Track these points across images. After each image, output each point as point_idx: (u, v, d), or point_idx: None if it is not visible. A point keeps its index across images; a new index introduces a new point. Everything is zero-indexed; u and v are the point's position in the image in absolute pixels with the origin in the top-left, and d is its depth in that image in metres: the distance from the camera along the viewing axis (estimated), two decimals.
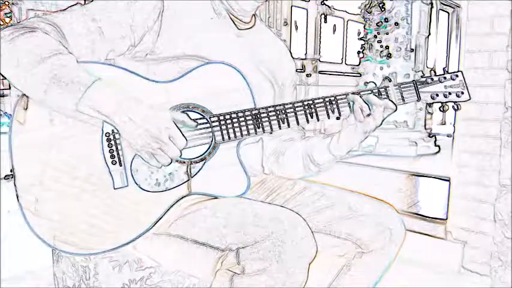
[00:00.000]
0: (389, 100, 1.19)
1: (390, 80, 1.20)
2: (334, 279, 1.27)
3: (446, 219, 2.41)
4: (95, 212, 1.11)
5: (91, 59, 1.12)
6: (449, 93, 1.21)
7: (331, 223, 1.25)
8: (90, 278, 1.21)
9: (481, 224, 2.23)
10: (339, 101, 1.19)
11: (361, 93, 1.20)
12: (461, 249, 2.30)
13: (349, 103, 1.19)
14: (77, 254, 1.16)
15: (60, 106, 1.07)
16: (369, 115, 1.18)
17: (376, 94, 1.19)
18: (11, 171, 1.11)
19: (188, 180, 1.15)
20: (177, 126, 1.08)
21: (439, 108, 1.24)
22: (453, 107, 1.23)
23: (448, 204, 2.38)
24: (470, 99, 1.21)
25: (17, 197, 1.11)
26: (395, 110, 1.20)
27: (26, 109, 1.09)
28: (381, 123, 1.21)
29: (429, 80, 1.21)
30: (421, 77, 1.22)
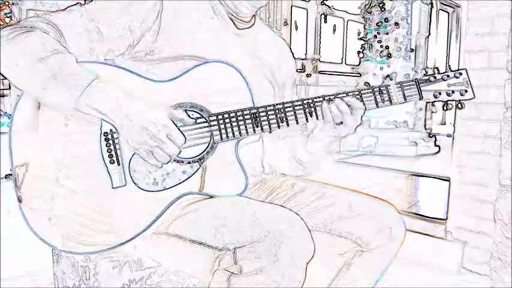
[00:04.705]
0: (358, 99, 1.17)
1: (392, 79, 1.19)
2: (334, 278, 1.26)
3: (446, 219, 2.40)
4: (93, 211, 1.11)
5: (90, 58, 1.12)
6: (453, 92, 1.18)
7: (331, 222, 1.25)
8: (90, 278, 1.21)
9: (481, 224, 2.23)
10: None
11: (337, 96, 1.18)
12: (461, 249, 2.30)
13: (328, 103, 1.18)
14: (77, 253, 1.16)
15: (59, 104, 1.07)
16: (341, 123, 1.18)
17: (377, 93, 1.18)
18: (11, 170, 1.11)
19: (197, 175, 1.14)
20: (175, 124, 1.08)
21: (442, 106, 1.21)
22: (457, 105, 1.20)
23: (448, 204, 2.38)
24: (474, 97, 1.18)
25: (18, 198, 1.10)
26: (365, 110, 1.18)
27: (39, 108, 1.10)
28: (355, 131, 1.20)
29: (432, 79, 1.18)
30: (424, 75, 1.20)
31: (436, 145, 6.10)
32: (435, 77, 1.19)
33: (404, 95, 1.19)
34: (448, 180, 2.38)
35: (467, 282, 2.20)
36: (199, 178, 1.16)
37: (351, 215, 1.24)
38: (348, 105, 1.17)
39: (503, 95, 2.09)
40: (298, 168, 1.34)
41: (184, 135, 1.09)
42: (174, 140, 1.08)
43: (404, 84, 1.19)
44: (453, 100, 1.19)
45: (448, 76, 1.18)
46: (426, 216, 2.68)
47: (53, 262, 1.29)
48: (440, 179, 4.04)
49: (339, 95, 1.18)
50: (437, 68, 1.20)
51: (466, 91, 1.18)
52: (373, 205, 1.26)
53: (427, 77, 1.19)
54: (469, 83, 1.18)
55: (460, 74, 1.19)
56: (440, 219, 2.54)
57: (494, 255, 2.12)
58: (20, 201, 1.11)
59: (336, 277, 1.27)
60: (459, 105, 1.20)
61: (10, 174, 1.12)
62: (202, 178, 1.16)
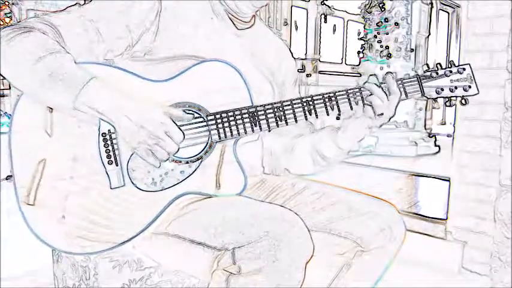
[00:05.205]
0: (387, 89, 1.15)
1: (392, 75, 1.17)
2: (334, 278, 1.26)
3: (446, 219, 2.40)
4: (92, 212, 1.11)
5: (89, 59, 1.12)
6: (456, 88, 1.15)
7: (331, 222, 1.25)
8: (90, 278, 1.21)
9: (481, 224, 2.23)
10: (338, 98, 1.17)
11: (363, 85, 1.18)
12: (461, 249, 2.30)
13: (348, 98, 1.18)
14: (76, 253, 1.16)
15: (57, 104, 1.07)
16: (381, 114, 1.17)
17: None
18: (10, 171, 1.11)
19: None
20: (173, 121, 1.08)
21: (445, 102, 1.18)
22: (461, 101, 1.17)
23: (448, 204, 2.38)
24: (478, 93, 1.15)
25: (27, 199, 1.10)
26: (401, 95, 1.16)
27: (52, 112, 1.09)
28: (394, 114, 1.18)
29: (434, 74, 1.15)
30: (426, 71, 1.17)
31: (436, 145, 6.10)
32: (437, 73, 1.16)
33: (405, 91, 1.17)
34: (448, 180, 2.38)
35: (467, 282, 2.20)
36: (198, 178, 1.15)
37: (351, 215, 1.24)
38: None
39: (503, 95, 2.09)
40: (321, 164, 1.32)
41: (183, 132, 1.09)
42: (172, 136, 1.07)
43: (405, 80, 1.17)
44: (456, 96, 1.17)
45: (450, 72, 1.15)
46: (426, 216, 2.68)
47: (53, 262, 1.30)
48: (440, 179, 4.04)
49: (339, 93, 1.18)
50: (439, 64, 1.18)
51: (469, 87, 1.15)
52: (373, 205, 1.26)
53: (429, 73, 1.16)
54: (473, 78, 1.15)
55: (464, 69, 1.16)
56: (440, 219, 2.54)
57: (494, 255, 2.12)
58: (31, 203, 1.10)
59: (336, 277, 1.26)
60: (463, 101, 1.17)
61: (10, 176, 1.11)
62: (201, 178, 1.16)
